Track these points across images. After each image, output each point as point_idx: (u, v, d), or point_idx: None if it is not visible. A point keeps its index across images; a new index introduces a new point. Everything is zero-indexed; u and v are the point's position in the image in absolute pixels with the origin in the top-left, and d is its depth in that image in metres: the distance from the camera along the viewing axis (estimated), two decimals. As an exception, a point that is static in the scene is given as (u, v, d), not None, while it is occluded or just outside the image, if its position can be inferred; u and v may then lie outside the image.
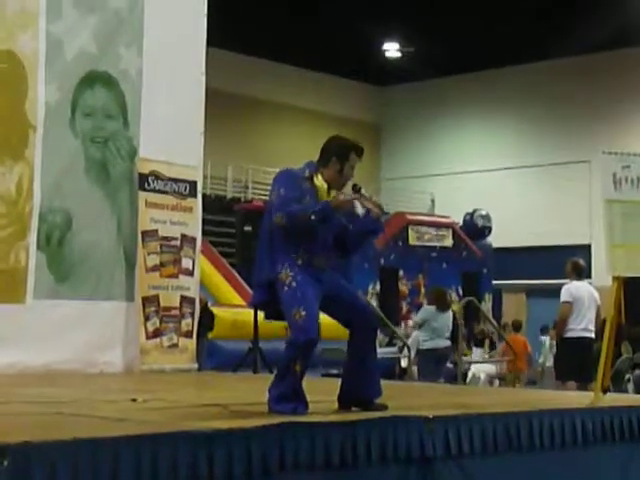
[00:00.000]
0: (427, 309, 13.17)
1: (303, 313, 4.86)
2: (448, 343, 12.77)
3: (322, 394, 5.44)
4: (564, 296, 10.38)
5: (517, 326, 18.08)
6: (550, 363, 17.60)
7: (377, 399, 5.10)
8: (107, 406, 5.31)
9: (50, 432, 3.78)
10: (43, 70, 8.81)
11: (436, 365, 12.63)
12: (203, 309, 10.26)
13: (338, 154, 5.13)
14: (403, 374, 14.80)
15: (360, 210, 5.25)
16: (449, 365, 14.19)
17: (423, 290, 19.65)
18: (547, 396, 7.71)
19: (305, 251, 5.03)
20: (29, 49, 8.75)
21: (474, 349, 18.17)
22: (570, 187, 25.63)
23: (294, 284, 4.94)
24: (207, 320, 10.83)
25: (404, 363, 15.23)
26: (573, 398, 7.00)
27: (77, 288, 8.94)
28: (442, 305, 12.90)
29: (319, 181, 5.11)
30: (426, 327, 12.71)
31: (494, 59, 25.40)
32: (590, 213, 23.59)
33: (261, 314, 10.28)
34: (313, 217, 4.93)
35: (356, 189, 5.16)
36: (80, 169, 9.07)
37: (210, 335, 12.02)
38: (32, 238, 8.66)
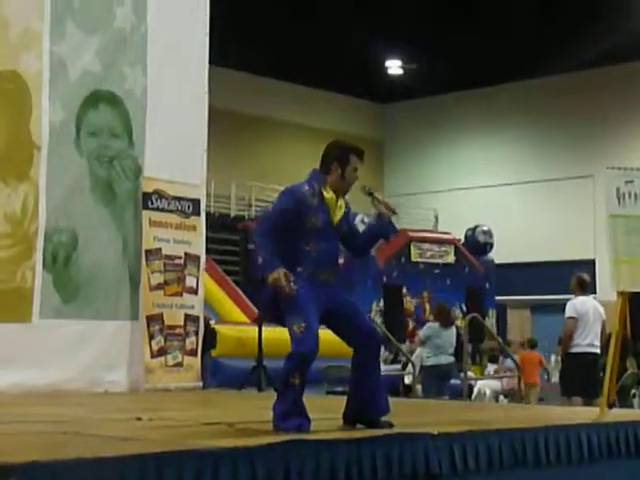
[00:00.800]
0: (431, 326, 13.16)
1: (303, 325, 4.85)
2: (451, 359, 12.75)
3: (327, 412, 5.44)
4: (569, 311, 10.36)
5: (532, 344, 18.10)
6: (556, 379, 17.55)
7: (385, 416, 5.08)
8: (112, 425, 5.31)
9: (56, 451, 3.78)
10: (47, 90, 8.84)
11: (440, 381, 12.61)
12: (205, 327, 10.26)
13: (338, 158, 5.13)
14: (408, 391, 14.77)
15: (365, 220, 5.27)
16: (455, 381, 14.16)
17: (428, 307, 19.63)
18: (553, 412, 7.70)
19: (311, 265, 5.02)
20: (33, 69, 8.78)
21: (489, 365, 18.15)
22: (573, 202, 25.63)
23: (297, 297, 4.92)
24: (209, 338, 10.82)
25: (408, 380, 15.21)
26: (579, 414, 6.99)
27: (83, 308, 8.95)
28: (445, 321, 12.90)
29: (328, 193, 5.08)
30: (429, 344, 12.70)
31: (496, 75, 25.45)
32: (594, 228, 23.56)
33: (265, 331, 10.33)
34: (260, 272, 4.92)
35: (368, 192, 5.16)
36: (86, 188, 9.10)
37: (214, 353, 12.00)
38: (38, 258, 8.68)
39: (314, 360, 4.91)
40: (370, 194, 5.17)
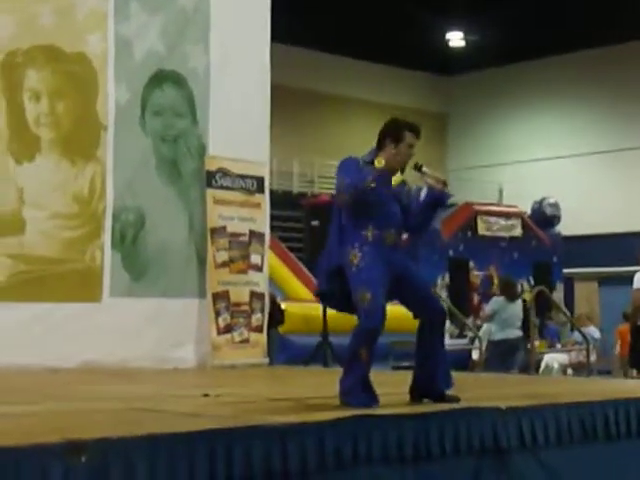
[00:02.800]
0: (496, 300, 13.07)
1: (369, 296, 4.85)
2: (519, 333, 12.65)
3: (393, 387, 5.44)
4: (637, 283, 10.22)
5: (627, 316, 18.09)
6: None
7: (448, 390, 5.09)
8: (181, 402, 5.37)
9: (126, 428, 3.83)
10: (113, 71, 8.94)
11: (508, 356, 12.53)
12: (272, 304, 10.31)
13: (392, 135, 5.11)
14: (474, 366, 14.71)
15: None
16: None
17: (496, 281, 19.50)
18: (621, 385, 7.62)
19: (375, 226, 5.02)
20: (99, 50, 8.88)
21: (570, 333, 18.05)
22: (640, 173, 25.26)
23: (362, 264, 4.93)
24: (277, 315, 10.88)
25: (475, 355, 15.14)
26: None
27: (151, 286, 9.06)
28: (511, 295, 12.80)
29: (380, 164, 5.08)
30: (497, 318, 12.62)
31: (560, 44, 25.07)
32: (662, 198, 23.21)
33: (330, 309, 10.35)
34: (372, 184, 4.94)
35: (417, 167, 5.15)
36: (151, 167, 9.18)
37: (281, 329, 12.07)
38: (106, 237, 8.80)
39: (380, 333, 4.92)
40: (419, 169, 5.16)
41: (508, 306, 12.60)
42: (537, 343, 15.07)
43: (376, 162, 5.09)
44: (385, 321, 4.90)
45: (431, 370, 5.09)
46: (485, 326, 13.47)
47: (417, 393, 5.12)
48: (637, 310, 10.25)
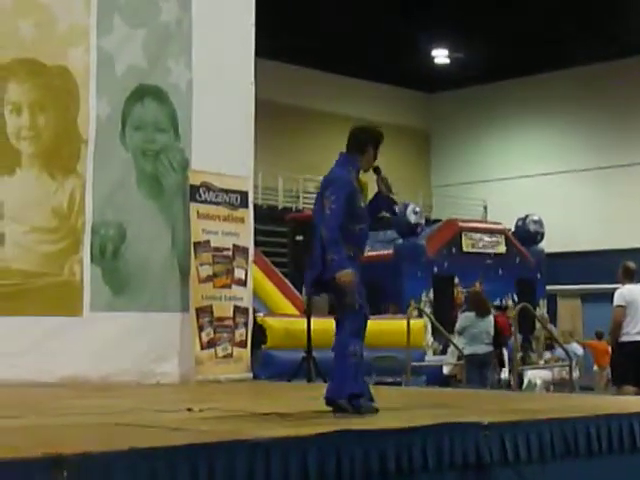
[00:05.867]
0: (467, 316, 13.10)
1: (357, 306, 5.32)
2: (488, 349, 12.68)
3: (376, 402, 5.43)
4: (617, 300, 10.27)
5: (600, 335, 18.37)
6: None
7: (363, 399, 5.30)
8: (164, 416, 5.35)
9: (108, 442, 3.81)
10: (94, 85, 8.92)
11: (479, 371, 12.55)
12: (254, 323, 10.28)
13: (372, 142, 5.46)
14: (453, 381, 14.75)
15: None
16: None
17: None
18: (603, 401, 7.63)
19: (355, 244, 5.36)
20: (80, 64, 8.87)
21: (545, 353, 18.09)
22: (623, 190, 25.36)
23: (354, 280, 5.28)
24: (259, 334, 10.84)
25: (446, 370, 15.22)
26: (630, 402, 6.92)
27: (133, 300, 9.02)
28: (481, 310, 12.82)
29: (362, 175, 5.46)
30: (466, 334, 12.67)
31: (544, 63, 25.22)
32: (645, 216, 23.32)
33: (314, 322, 10.32)
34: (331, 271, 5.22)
35: (377, 170, 5.47)
36: (132, 182, 9.16)
37: (264, 346, 12.02)
38: (86, 251, 8.77)
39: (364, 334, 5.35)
40: (378, 172, 5.48)
41: (478, 322, 12.63)
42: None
43: (360, 176, 5.41)
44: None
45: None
46: (455, 341, 13.49)
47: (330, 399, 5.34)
48: (617, 326, 10.28)
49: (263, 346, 11.68)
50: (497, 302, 17.92)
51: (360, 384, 5.32)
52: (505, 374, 14.73)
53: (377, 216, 5.55)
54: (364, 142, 5.46)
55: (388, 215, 5.59)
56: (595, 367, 19.22)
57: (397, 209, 5.69)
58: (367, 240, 5.48)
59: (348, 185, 5.32)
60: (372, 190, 5.55)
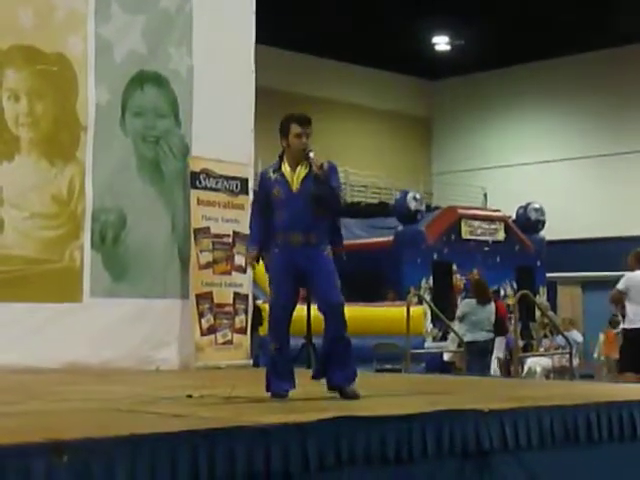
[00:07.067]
0: (467, 302, 13.07)
1: (273, 295, 5.63)
2: (489, 336, 12.66)
3: (376, 388, 5.43)
4: (620, 284, 10.25)
5: (614, 323, 18.40)
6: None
7: (348, 386, 5.34)
8: (164, 402, 5.34)
9: (108, 428, 3.81)
10: (93, 71, 8.91)
11: (479, 358, 12.54)
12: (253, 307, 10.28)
13: (281, 130, 5.53)
14: (452, 368, 14.75)
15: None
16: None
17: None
18: (604, 388, 7.63)
19: (281, 231, 5.49)
20: (79, 51, 8.85)
21: (543, 341, 18.11)
22: (624, 177, 25.33)
23: (271, 268, 5.61)
24: (255, 316, 10.84)
25: (446, 357, 15.21)
26: (631, 390, 6.92)
27: (133, 286, 9.03)
28: (482, 297, 12.80)
29: (285, 166, 5.51)
30: (466, 320, 12.64)
31: (546, 50, 25.16)
32: (646, 203, 23.30)
33: (314, 309, 10.32)
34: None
35: (305, 154, 5.46)
36: (132, 168, 9.15)
37: (262, 331, 12.01)
38: (86, 237, 8.76)
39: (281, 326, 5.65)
40: (307, 156, 5.46)
41: (479, 309, 12.61)
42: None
43: (283, 166, 5.52)
44: (285, 311, 5.68)
45: (325, 361, 5.52)
46: (455, 327, 13.48)
47: (318, 378, 5.54)
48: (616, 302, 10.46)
49: (260, 329, 11.67)
50: (495, 289, 17.87)
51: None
52: (494, 364, 14.68)
53: (312, 196, 5.48)
54: (283, 125, 5.50)
55: (318, 193, 5.46)
56: (602, 356, 19.34)
57: (334, 183, 5.54)
58: (303, 224, 5.44)
59: (260, 176, 5.63)
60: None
